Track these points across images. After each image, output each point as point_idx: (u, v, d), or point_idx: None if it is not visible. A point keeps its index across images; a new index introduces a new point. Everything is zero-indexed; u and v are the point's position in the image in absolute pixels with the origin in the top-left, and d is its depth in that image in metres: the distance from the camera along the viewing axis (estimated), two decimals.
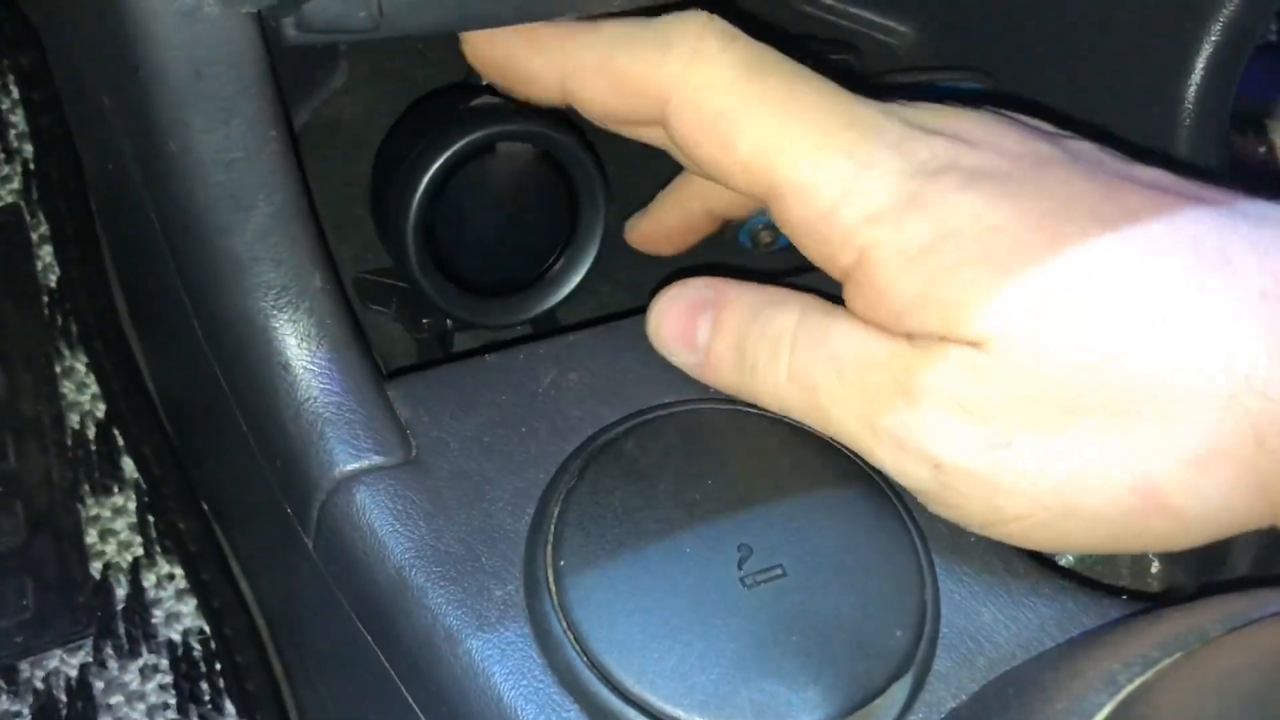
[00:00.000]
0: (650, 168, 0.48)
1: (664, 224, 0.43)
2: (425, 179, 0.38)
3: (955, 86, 0.52)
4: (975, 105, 0.34)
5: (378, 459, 0.33)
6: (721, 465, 0.33)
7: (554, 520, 0.31)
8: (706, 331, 0.35)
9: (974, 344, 0.28)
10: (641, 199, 0.45)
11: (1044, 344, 0.28)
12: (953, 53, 0.56)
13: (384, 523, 0.32)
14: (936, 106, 0.33)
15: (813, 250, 0.32)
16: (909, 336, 0.30)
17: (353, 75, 0.49)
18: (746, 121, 0.32)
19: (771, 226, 0.48)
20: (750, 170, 0.32)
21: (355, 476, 0.33)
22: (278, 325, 0.33)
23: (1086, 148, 0.32)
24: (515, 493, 0.33)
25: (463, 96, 0.39)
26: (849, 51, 0.51)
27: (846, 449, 0.33)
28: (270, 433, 0.34)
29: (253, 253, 0.32)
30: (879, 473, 0.33)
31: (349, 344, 0.34)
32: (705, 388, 0.36)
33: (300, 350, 0.34)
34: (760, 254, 0.48)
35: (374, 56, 0.49)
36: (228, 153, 0.30)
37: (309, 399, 0.34)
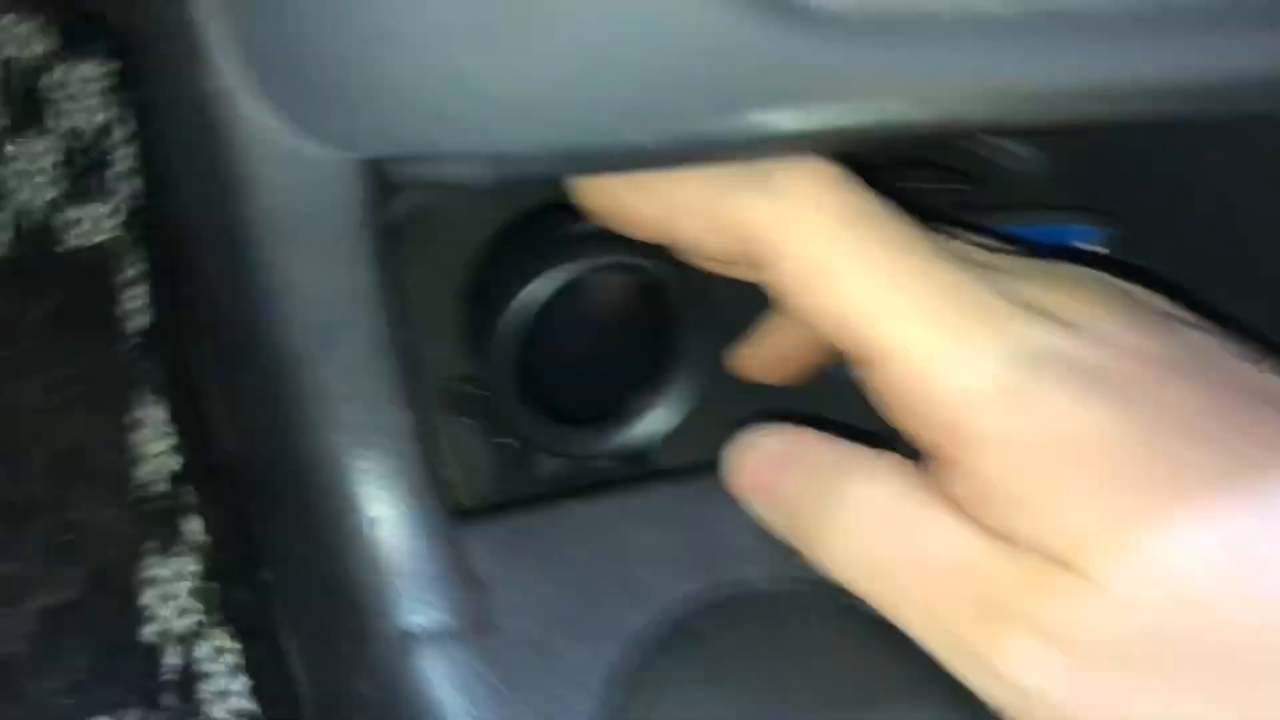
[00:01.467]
0: (759, 296, 0.46)
1: (771, 351, 0.41)
2: (524, 311, 0.36)
3: (1066, 230, 0.49)
4: (1089, 270, 0.32)
5: (444, 618, 0.31)
6: (815, 667, 0.30)
7: (620, 711, 0.29)
8: (779, 485, 0.33)
9: (1083, 575, 0.26)
10: (747, 327, 0.43)
11: (1159, 588, 0.26)
12: (1078, 186, 0.53)
13: (444, 691, 0.30)
14: (1048, 274, 0.31)
15: (899, 421, 0.30)
16: (1007, 542, 0.28)
17: None
18: (842, 277, 0.30)
19: None
20: (842, 329, 0.30)
21: (419, 635, 0.31)
22: (354, 463, 0.32)
23: (1210, 345, 0.30)
24: (583, 669, 0.31)
25: (568, 217, 0.38)
26: (963, 181, 0.49)
27: None
28: (335, 572, 0.33)
29: (339, 389, 0.31)
30: None
31: (429, 487, 0.33)
32: (804, 564, 0.33)
33: (375, 492, 0.32)
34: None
35: None
36: (322, 291, 0.28)
37: (379, 544, 0.32)
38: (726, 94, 0.19)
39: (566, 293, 0.38)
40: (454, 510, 0.34)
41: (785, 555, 0.33)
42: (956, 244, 0.31)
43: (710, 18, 0.17)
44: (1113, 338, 0.29)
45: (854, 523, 0.30)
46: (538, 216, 0.40)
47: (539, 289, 0.36)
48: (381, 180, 0.29)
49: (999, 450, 0.27)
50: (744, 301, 0.48)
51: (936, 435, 0.29)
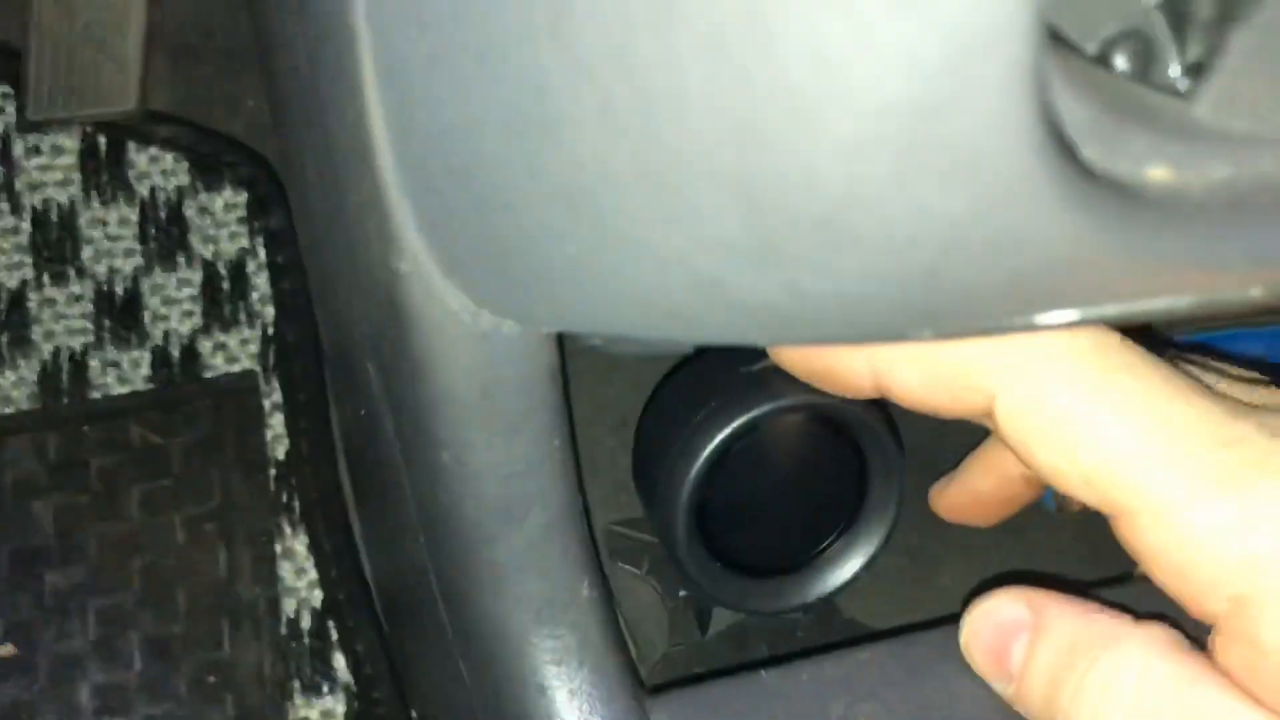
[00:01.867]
0: (954, 432, 0.43)
1: (975, 492, 0.37)
2: (702, 458, 0.33)
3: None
4: None
5: None
6: None
7: None
8: (1020, 658, 0.29)
9: None
10: (940, 465, 0.39)
11: None
12: None
13: None
14: None
15: (1170, 584, 0.26)
16: None
17: None
18: (1093, 426, 0.26)
19: None
20: (1094, 483, 0.27)
21: None
22: (537, 641, 0.29)
23: None
24: None
25: (744, 357, 0.35)
26: None
27: None
28: None
29: (519, 563, 0.28)
30: None
31: (612, 662, 0.30)
32: None
33: (559, 671, 0.29)
34: (1067, 519, 0.42)
35: None
36: (507, 467, 0.26)
37: None
38: (1042, 293, 0.16)
39: (744, 436, 0.35)
40: (638, 686, 0.31)
41: None
42: (1221, 383, 0.28)
43: (1043, 230, 0.15)
44: None
45: (1112, 708, 0.26)
46: (712, 354, 0.37)
47: (714, 436, 0.34)
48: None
49: None
50: (938, 436, 0.44)
51: (1213, 602, 0.25)
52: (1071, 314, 0.17)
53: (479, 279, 0.21)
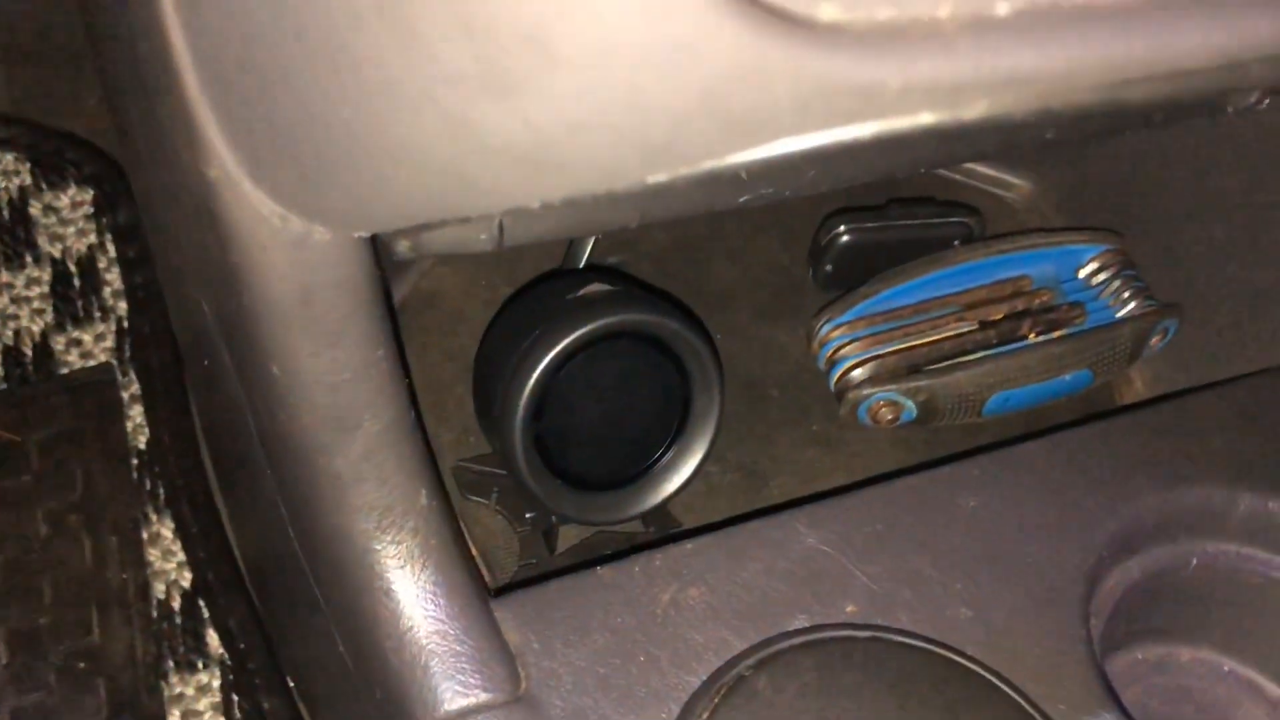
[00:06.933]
0: (772, 347, 0.46)
1: None
2: (533, 378, 0.36)
3: (1078, 249, 0.49)
4: None
5: (485, 696, 0.30)
6: (871, 712, 0.29)
7: None
8: None
9: None
10: (765, 389, 0.42)
11: None
12: (1075, 207, 0.53)
13: None
14: None
15: None
16: None
17: None
18: None
19: (893, 403, 0.45)
20: None
21: (462, 717, 0.30)
22: (380, 548, 0.31)
23: None
24: None
25: (570, 284, 0.37)
26: (968, 214, 0.49)
27: (1011, 684, 0.29)
28: (370, 662, 0.32)
29: (357, 473, 0.30)
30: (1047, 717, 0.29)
31: (455, 564, 0.32)
32: (841, 609, 0.32)
33: (403, 574, 0.31)
34: (880, 432, 0.45)
35: None
36: (335, 374, 0.28)
37: (412, 628, 0.31)
38: (738, 116, 0.19)
39: (571, 357, 0.37)
40: (481, 587, 0.33)
41: (826, 603, 0.33)
42: None
43: (716, 42, 0.17)
44: None
45: None
46: (540, 286, 0.40)
47: (543, 357, 0.36)
48: (388, 258, 0.28)
49: None
50: (761, 364, 0.47)
51: None
52: (773, 146, 0.20)
53: (280, 179, 0.23)
